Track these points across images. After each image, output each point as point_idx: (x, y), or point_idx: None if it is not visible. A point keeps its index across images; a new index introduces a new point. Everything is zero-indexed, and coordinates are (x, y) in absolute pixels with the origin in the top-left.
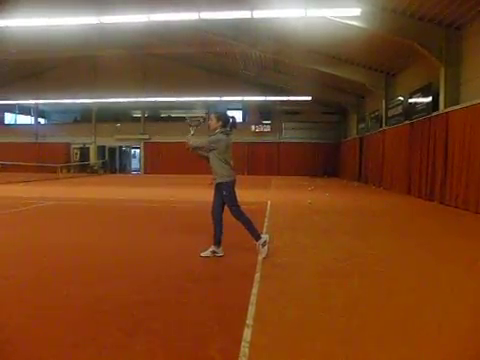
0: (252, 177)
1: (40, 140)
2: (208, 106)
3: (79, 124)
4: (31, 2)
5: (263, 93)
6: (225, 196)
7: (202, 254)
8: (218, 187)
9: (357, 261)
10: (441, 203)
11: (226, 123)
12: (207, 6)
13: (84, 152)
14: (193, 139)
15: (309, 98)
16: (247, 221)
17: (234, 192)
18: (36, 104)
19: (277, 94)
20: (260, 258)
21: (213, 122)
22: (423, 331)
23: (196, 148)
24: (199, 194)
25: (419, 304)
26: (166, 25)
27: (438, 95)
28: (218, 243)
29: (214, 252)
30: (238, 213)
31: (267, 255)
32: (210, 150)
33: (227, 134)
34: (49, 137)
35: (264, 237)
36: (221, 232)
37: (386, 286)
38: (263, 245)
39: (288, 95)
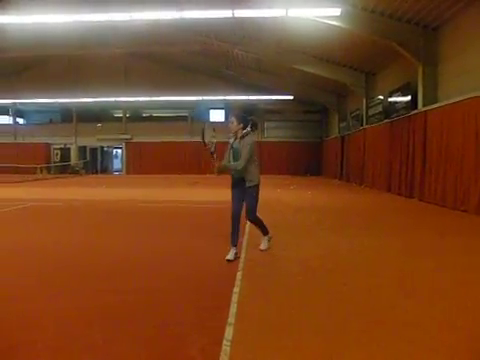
0: None
1: (19, 140)
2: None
3: (60, 124)
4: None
5: (245, 92)
6: (253, 198)
7: (262, 247)
8: (246, 191)
9: (339, 258)
10: (420, 200)
11: (246, 125)
12: (189, 5)
13: (65, 152)
14: (223, 163)
15: (291, 97)
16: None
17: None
18: (14, 104)
19: (259, 93)
20: (243, 256)
21: (234, 124)
22: (404, 326)
23: (225, 170)
24: (182, 194)
25: (400, 299)
26: (150, 24)
27: (417, 94)
28: (267, 232)
29: (269, 240)
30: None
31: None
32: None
33: (253, 132)
34: (28, 137)
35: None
36: (264, 225)
37: (367, 282)
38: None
39: (270, 94)
